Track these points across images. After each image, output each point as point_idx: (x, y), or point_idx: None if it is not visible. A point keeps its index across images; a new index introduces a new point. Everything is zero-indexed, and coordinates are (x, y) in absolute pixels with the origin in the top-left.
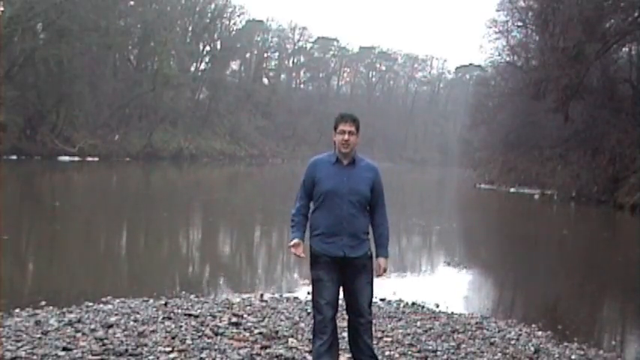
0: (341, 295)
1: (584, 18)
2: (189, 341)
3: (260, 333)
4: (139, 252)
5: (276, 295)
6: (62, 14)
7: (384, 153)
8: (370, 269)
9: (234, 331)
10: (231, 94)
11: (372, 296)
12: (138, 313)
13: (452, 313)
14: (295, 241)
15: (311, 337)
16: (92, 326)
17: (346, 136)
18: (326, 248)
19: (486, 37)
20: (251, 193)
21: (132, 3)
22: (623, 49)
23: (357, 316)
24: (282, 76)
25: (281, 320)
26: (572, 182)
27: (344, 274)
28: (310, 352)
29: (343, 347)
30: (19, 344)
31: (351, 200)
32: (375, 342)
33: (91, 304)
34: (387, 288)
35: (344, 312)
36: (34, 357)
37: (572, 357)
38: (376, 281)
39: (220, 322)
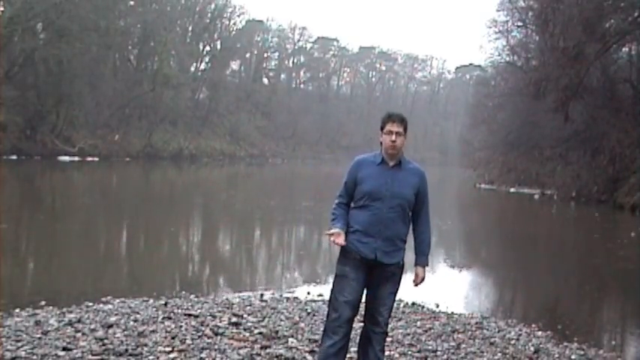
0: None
1: (584, 18)
2: (189, 341)
3: (260, 333)
4: (139, 252)
5: (276, 295)
6: (62, 14)
7: None
8: (398, 279)
9: (234, 331)
10: (231, 94)
11: (392, 306)
12: (138, 313)
13: (452, 313)
14: (336, 230)
15: (311, 337)
16: (92, 326)
17: (393, 137)
18: (358, 247)
19: (486, 37)
20: (251, 193)
21: (132, 3)
22: (623, 49)
23: (373, 324)
24: (282, 76)
25: (281, 320)
26: (572, 182)
27: (371, 278)
28: (310, 352)
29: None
30: (19, 344)
31: (393, 204)
32: None
33: (91, 304)
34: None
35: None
36: (34, 357)
37: (572, 357)
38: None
39: (220, 322)
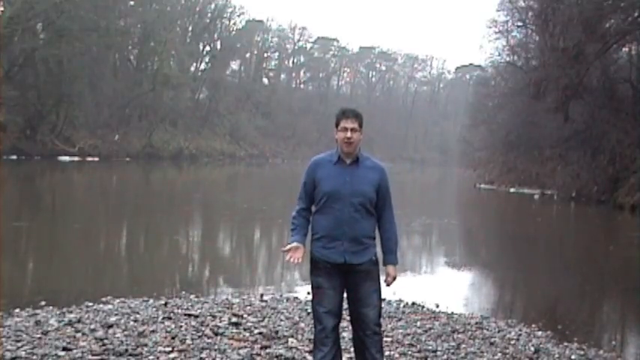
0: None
1: (584, 18)
2: (189, 341)
3: (260, 333)
4: (139, 252)
5: (276, 295)
6: (62, 14)
7: (383, 153)
8: (376, 276)
9: (234, 331)
10: (231, 94)
11: (379, 306)
12: (138, 313)
13: (452, 313)
14: (293, 244)
15: (311, 337)
16: (92, 326)
17: (348, 134)
18: (326, 254)
19: (486, 37)
20: (251, 193)
21: (132, 3)
22: (623, 49)
23: (360, 327)
24: (282, 76)
25: (281, 320)
26: (572, 182)
27: (347, 281)
28: (310, 352)
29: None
30: (19, 344)
31: (354, 202)
32: None
33: (91, 304)
34: (387, 288)
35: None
36: (34, 357)
37: (572, 357)
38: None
39: (220, 322)
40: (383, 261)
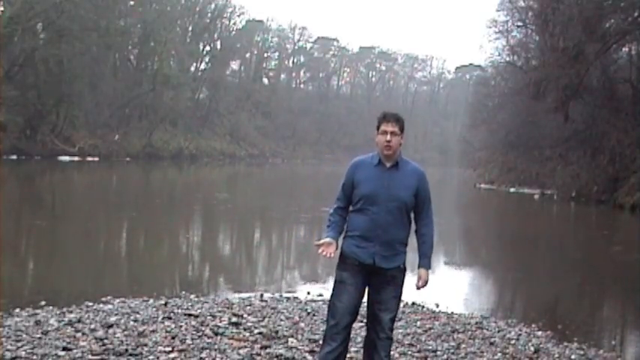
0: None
1: (584, 18)
2: (189, 341)
3: (260, 333)
4: (139, 252)
5: (276, 295)
6: (62, 14)
7: None
8: (400, 283)
9: (234, 331)
10: (231, 94)
11: (396, 311)
12: (138, 313)
13: (452, 313)
14: (327, 239)
15: (311, 337)
16: (92, 326)
17: (388, 137)
18: (356, 252)
19: (486, 37)
20: (251, 193)
21: (132, 3)
22: (623, 49)
23: (376, 330)
24: (282, 76)
25: (281, 320)
26: (572, 182)
27: (371, 282)
28: (310, 352)
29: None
30: (19, 344)
31: (390, 206)
32: None
33: (91, 304)
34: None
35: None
36: (34, 357)
37: (572, 357)
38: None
39: (220, 322)
40: (417, 264)
